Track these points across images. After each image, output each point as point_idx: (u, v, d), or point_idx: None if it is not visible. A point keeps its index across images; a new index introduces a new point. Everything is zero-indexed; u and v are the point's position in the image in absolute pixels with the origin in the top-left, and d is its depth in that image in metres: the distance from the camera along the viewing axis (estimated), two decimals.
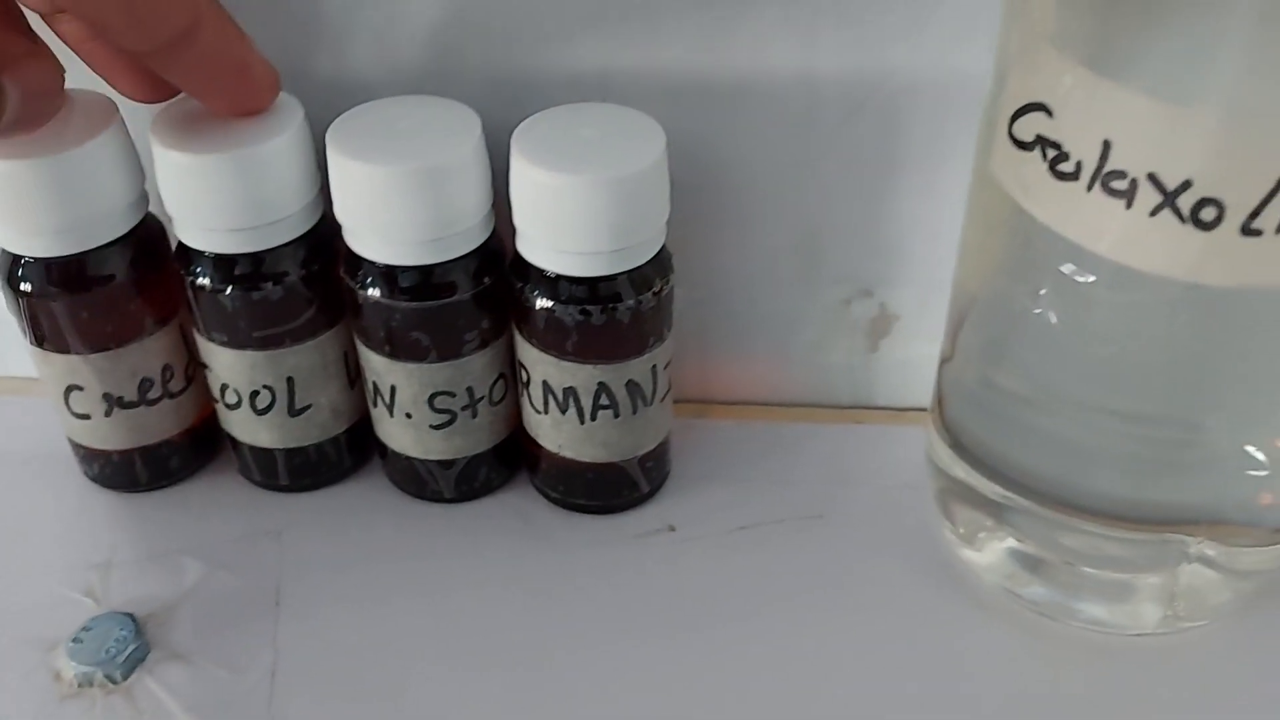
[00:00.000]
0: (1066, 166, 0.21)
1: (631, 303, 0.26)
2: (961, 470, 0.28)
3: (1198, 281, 0.21)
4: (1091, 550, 0.27)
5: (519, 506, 0.30)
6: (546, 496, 0.30)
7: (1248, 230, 0.20)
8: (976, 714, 0.26)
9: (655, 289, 0.26)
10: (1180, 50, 0.19)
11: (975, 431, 0.27)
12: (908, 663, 0.27)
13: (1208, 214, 0.20)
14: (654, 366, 0.28)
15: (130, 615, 0.28)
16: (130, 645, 0.27)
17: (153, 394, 0.29)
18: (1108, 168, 0.20)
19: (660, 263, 0.27)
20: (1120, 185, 0.20)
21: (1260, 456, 0.25)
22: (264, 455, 0.30)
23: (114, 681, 0.26)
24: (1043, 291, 0.23)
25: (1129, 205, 0.20)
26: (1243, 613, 0.28)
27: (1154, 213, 0.20)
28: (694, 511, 0.30)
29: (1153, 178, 0.20)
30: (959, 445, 0.27)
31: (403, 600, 0.28)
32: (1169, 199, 0.20)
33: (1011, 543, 0.27)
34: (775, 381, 0.33)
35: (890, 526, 0.30)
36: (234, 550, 0.29)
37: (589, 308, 0.26)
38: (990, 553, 0.28)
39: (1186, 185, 0.20)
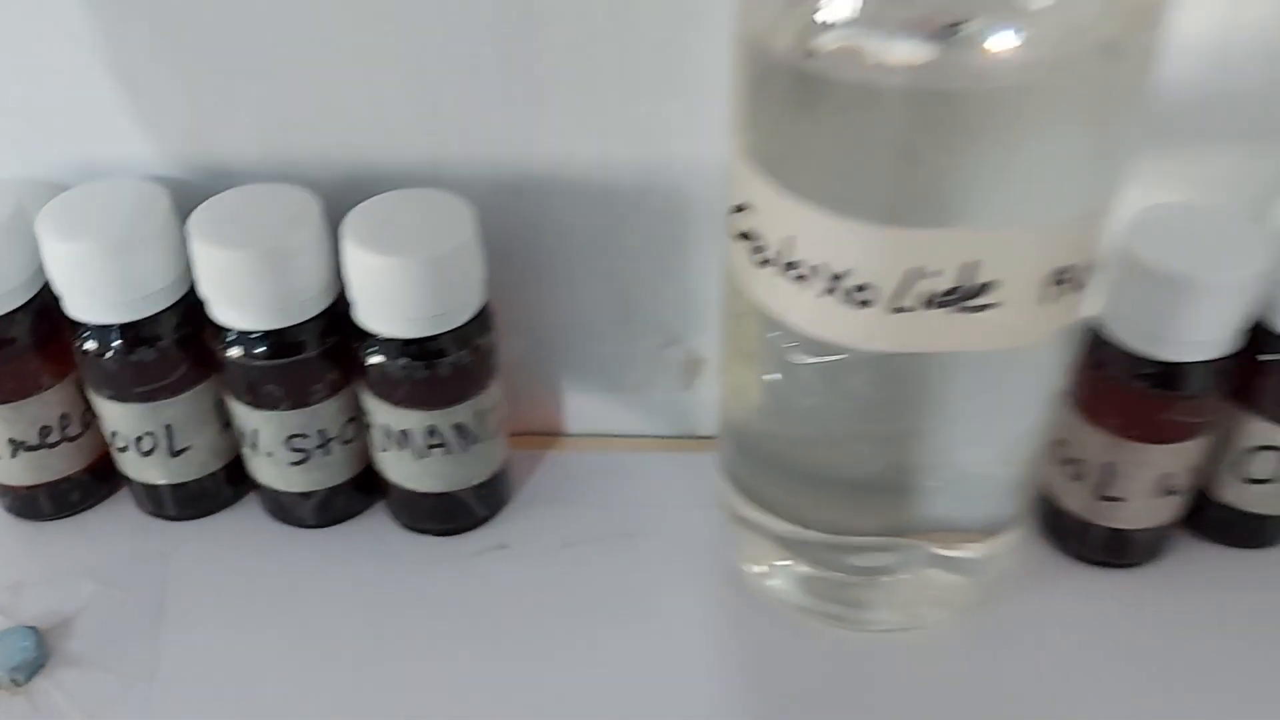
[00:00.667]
0: (763, 256, 0.26)
1: (453, 358, 0.31)
2: (739, 500, 0.32)
3: (866, 349, 0.26)
4: (862, 562, 0.32)
5: (374, 530, 0.35)
6: (397, 521, 0.35)
7: (897, 309, 0.25)
8: (762, 713, 0.31)
9: (475, 345, 0.31)
10: (836, 172, 0.24)
11: (745, 469, 0.32)
12: (700, 666, 0.32)
13: (864, 296, 0.25)
14: (478, 411, 0.32)
15: (33, 628, 0.32)
16: (32, 654, 0.32)
17: (52, 439, 0.34)
18: (789, 259, 0.25)
19: (480, 321, 0.32)
20: (800, 272, 0.25)
21: (975, 472, 0.30)
22: (152, 490, 0.35)
23: (17, 684, 0.31)
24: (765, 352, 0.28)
25: (805, 286, 0.25)
26: (987, 602, 0.33)
27: (824, 295, 0.25)
28: (526, 532, 0.35)
29: (821, 268, 0.25)
30: (737, 479, 0.32)
31: (271, 614, 0.33)
32: (833, 284, 0.25)
33: (788, 562, 0.32)
34: (608, 416, 0.38)
35: (695, 544, 0.35)
36: (125, 571, 0.34)
37: (414, 364, 0.31)
38: (776, 573, 0.33)
39: (846, 274, 0.25)
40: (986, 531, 0.31)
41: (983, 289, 0.25)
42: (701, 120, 0.31)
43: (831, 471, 0.30)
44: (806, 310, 0.26)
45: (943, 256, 0.24)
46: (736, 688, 0.31)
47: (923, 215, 0.24)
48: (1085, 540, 0.34)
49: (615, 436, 0.39)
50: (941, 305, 0.25)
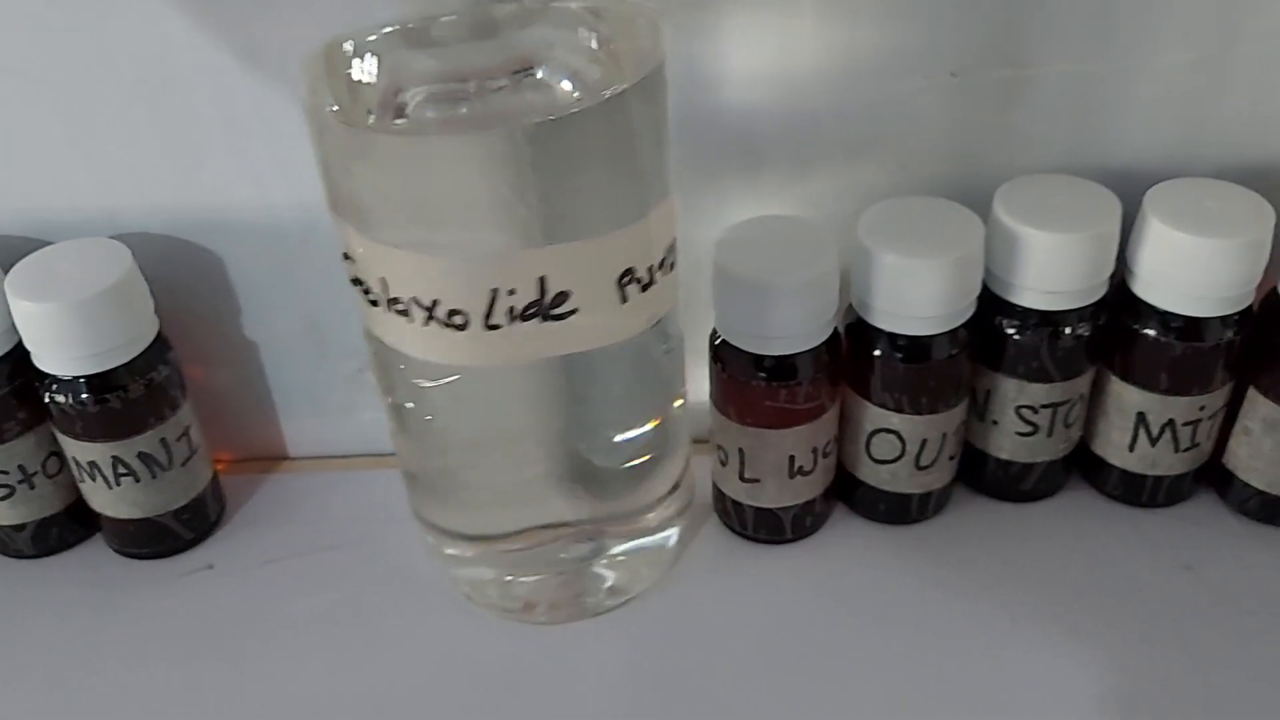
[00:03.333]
0: (371, 297, 0.30)
1: (124, 392, 0.35)
2: (438, 539, 0.36)
3: (470, 365, 0.30)
4: (549, 556, 0.36)
5: (89, 557, 0.39)
6: (110, 547, 0.39)
7: (490, 327, 0.29)
8: (462, 706, 0.34)
9: (149, 378, 0.35)
10: (409, 214, 0.28)
11: (430, 504, 0.35)
12: (397, 662, 0.35)
13: (458, 320, 0.29)
14: (163, 439, 0.36)
15: None
16: None
17: None
18: (389, 296, 0.29)
19: (152, 355, 0.36)
20: (400, 306, 0.29)
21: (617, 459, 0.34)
22: None
23: None
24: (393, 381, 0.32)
25: (409, 319, 0.29)
26: (669, 579, 0.37)
27: (425, 324, 0.29)
28: (233, 551, 0.39)
29: (415, 300, 0.29)
30: (427, 519, 0.36)
31: None
32: (430, 313, 0.29)
33: (484, 571, 0.36)
34: (322, 438, 0.42)
35: (393, 552, 0.39)
36: None
37: (87, 399, 0.35)
38: (495, 591, 0.37)
39: (437, 303, 0.29)
40: (648, 510, 0.35)
41: (559, 299, 0.29)
42: None
43: (501, 478, 0.34)
44: (415, 339, 0.30)
45: (517, 276, 0.28)
46: (419, 686, 0.35)
47: (496, 241, 0.28)
48: (742, 519, 0.38)
49: (331, 457, 0.43)
50: (528, 318, 0.29)
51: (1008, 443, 0.38)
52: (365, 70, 0.28)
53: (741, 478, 0.37)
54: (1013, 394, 0.37)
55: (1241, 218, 0.34)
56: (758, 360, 0.34)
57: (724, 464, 0.37)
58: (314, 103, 0.29)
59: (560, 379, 0.32)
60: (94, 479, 0.36)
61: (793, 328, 0.34)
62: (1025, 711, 0.33)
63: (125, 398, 0.35)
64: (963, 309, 0.35)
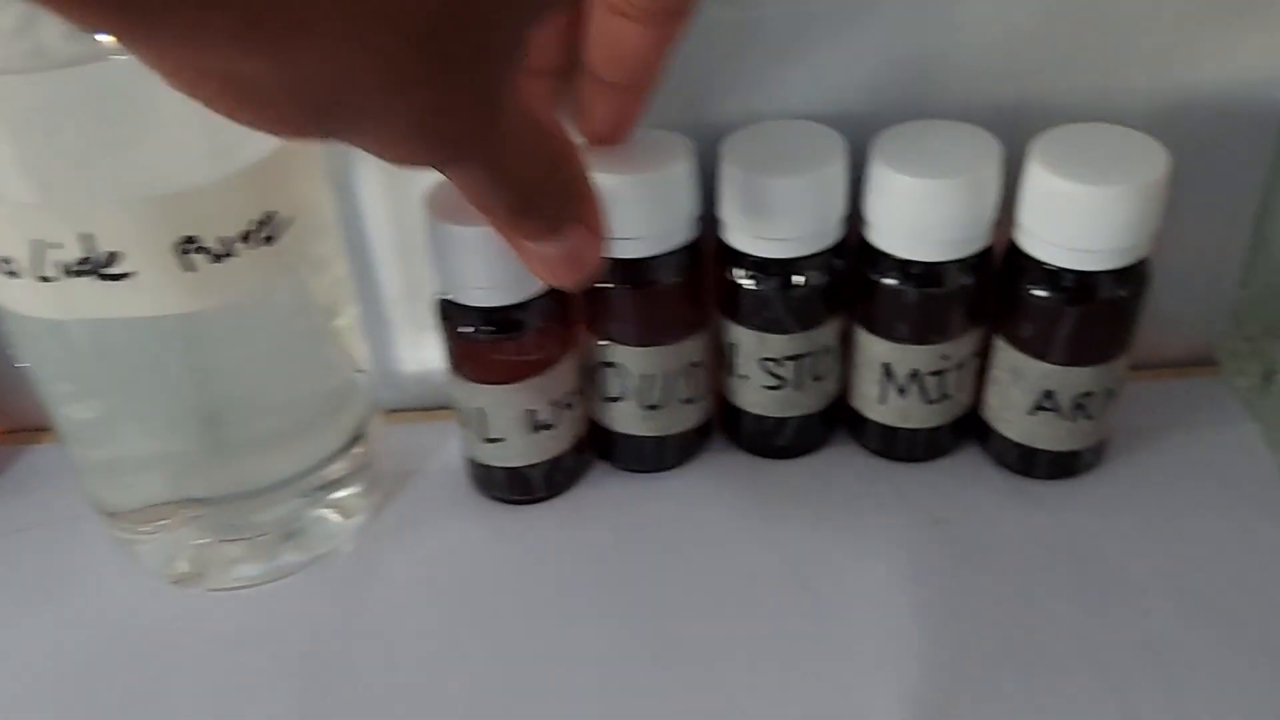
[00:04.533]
0: None
1: None
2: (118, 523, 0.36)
3: (33, 315, 0.29)
4: (266, 516, 0.35)
5: None
6: None
7: (42, 278, 0.28)
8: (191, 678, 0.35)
9: None
10: None
11: (102, 480, 0.35)
12: (114, 632, 0.35)
13: (11, 267, 0.28)
14: None
15: None
16: None
17: None
18: None
19: None
20: None
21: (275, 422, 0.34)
22: None
23: None
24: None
25: None
26: (397, 540, 0.37)
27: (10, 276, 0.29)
28: None
29: None
30: (99, 497, 0.36)
31: None
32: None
33: (204, 541, 0.36)
34: None
35: None
36: None
37: None
38: (195, 564, 0.36)
39: (8, 260, 0.29)
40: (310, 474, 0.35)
41: (111, 259, 0.28)
42: None
43: (124, 447, 0.34)
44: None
45: (57, 230, 0.28)
46: (123, 655, 0.35)
47: (43, 191, 0.28)
48: (492, 481, 0.38)
49: None
50: (80, 274, 0.29)
51: (757, 397, 0.38)
52: None
53: (485, 439, 0.37)
54: (755, 347, 0.36)
55: (967, 157, 0.34)
56: (482, 314, 0.34)
57: (466, 426, 0.37)
58: None
59: (176, 345, 0.31)
60: None
61: (504, 276, 0.33)
62: (763, 669, 0.33)
63: None
64: (673, 232, 0.34)
